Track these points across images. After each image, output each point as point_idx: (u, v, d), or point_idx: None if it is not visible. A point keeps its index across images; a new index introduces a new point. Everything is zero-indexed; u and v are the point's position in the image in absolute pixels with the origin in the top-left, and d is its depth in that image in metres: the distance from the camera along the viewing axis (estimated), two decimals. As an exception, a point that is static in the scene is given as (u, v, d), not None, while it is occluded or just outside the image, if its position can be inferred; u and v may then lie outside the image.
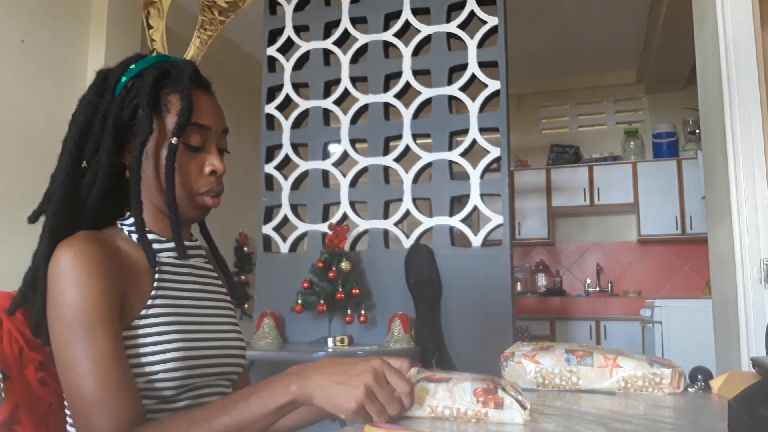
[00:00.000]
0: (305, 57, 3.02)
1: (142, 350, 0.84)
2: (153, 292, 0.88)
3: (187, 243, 0.97)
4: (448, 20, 2.80)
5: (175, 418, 0.78)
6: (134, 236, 0.91)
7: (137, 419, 0.78)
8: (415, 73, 2.83)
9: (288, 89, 3.00)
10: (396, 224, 2.77)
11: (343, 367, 0.73)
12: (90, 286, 0.79)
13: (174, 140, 0.88)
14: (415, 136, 2.79)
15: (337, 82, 2.93)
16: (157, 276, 0.90)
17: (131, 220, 0.92)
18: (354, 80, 2.92)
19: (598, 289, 5.44)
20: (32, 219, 0.90)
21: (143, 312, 0.86)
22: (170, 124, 0.90)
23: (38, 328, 0.86)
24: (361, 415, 0.70)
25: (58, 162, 0.91)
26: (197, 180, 0.93)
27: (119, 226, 0.93)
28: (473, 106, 2.69)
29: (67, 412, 0.86)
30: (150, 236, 0.92)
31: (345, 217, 2.84)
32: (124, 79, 0.91)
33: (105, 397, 0.76)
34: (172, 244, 0.93)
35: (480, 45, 2.73)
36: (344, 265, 2.61)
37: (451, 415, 0.73)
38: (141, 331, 0.85)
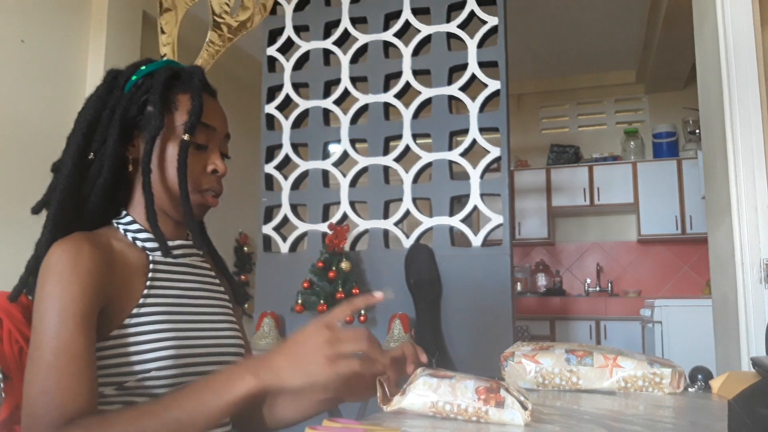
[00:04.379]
0: (305, 57, 3.02)
1: (134, 348, 0.84)
2: (145, 291, 0.89)
3: (182, 242, 0.98)
4: (448, 20, 2.80)
5: (123, 412, 0.77)
6: (130, 235, 0.93)
7: (83, 412, 0.76)
8: (415, 73, 2.82)
9: (288, 89, 3.00)
10: (396, 224, 2.77)
11: (295, 345, 0.74)
12: (71, 285, 0.80)
13: (186, 137, 0.91)
14: (415, 136, 2.79)
15: (337, 82, 2.93)
16: (150, 275, 0.91)
17: (128, 218, 0.94)
18: (354, 80, 2.92)
19: (598, 289, 5.43)
20: (35, 210, 0.91)
21: (135, 311, 0.86)
22: (177, 121, 0.93)
23: None
24: (340, 369, 0.71)
25: (63, 154, 0.92)
26: (199, 178, 0.95)
27: (115, 225, 0.94)
28: (473, 106, 2.69)
29: None
30: (144, 234, 0.93)
31: (345, 217, 2.84)
32: (134, 78, 0.94)
33: (52, 387, 0.76)
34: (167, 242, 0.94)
35: (480, 45, 2.72)
36: (344, 265, 2.61)
37: (452, 411, 0.72)
38: (133, 330, 0.85)
